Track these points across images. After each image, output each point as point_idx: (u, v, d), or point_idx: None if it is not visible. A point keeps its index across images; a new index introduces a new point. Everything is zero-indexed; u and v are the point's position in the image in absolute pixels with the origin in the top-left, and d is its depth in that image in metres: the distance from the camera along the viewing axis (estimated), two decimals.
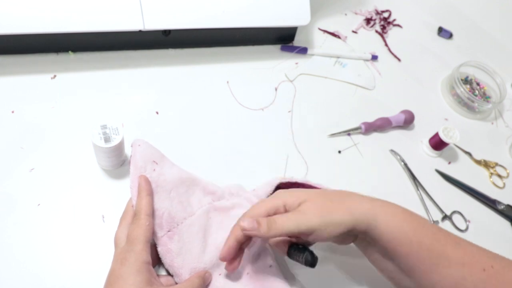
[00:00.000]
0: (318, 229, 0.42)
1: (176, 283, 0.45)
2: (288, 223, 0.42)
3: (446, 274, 0.42)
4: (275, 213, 0.44)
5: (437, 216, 0.61)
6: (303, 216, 0.42)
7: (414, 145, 0.68)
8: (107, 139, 0.48)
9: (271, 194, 0.51)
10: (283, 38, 0.73)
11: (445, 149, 0.67)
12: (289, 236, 0.46)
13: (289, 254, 0.45)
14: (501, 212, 0.63)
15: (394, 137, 0.68)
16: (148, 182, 0.46)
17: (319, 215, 0.42)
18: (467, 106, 0.74)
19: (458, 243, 0.43)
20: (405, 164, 0.64)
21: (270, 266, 0.49)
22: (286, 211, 0.44)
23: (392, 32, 0.84)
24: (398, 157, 0.65)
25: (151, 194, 0.46)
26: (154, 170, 0.48)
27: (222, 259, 0.44)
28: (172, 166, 0.50)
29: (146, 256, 0.41)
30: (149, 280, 0.40)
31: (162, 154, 0.50)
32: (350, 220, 0.42)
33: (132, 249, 0.41)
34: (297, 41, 0.74)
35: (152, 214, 0.45)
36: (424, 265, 0.42)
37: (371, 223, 0.42)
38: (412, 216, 0.45)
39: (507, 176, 0.69)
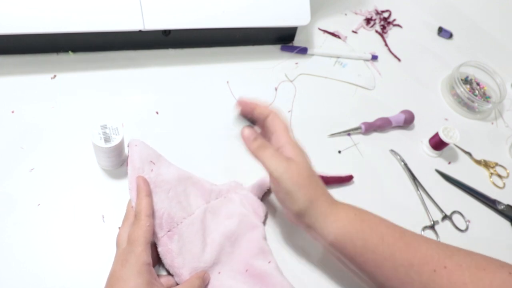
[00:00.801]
0: (283, 190, 0.45)
1: (177, 283, 0.46)
2: (270, 163, 0.45)
3: (391, 275, 0.43)
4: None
5: (437, 216, 0.61)
6: (284, 171, 0.44)
7: (414, 145, 0.68)
8: (107, 139, 0.48)
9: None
10: (283, 38, 0.73)
11: (445, 149, 0.67)
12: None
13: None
14: (501, 212, 0.63)
15: (394, 137, 0.68)
16: (146, 183, 0.46)
17: (294, 181, 0.44)
18: (467, 106, 0.74)
19: (408, 244, 0.43)
20: (405, 164, 0.64)
21: (269, 262, 0.49)
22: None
23: (392, 32, 0.84)
24: (398, 157, 0.65)
25: (150, 194, 0.46)
26: (151, 170, 0.48)
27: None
28: (169, 166, 0.50)
29: (147, 257, 0.41)
30: (149, 281, 0.40)
31: (158, 154, 0.50)
32: (305, 208, 0.44)
33: (133, 251, 0.41)
34: (297, 41, 0.74)
35: (152, 214, 0.45)
36: (369, 267, 0.44)
37: (319, 221, 0.45)
38: (362, 217, 0.45)
39: (507, 176, 0.69)
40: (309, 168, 0.46)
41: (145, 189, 0.46)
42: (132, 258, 0.41)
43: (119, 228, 0.46)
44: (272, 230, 0.54)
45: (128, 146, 0.49)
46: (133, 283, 0.39)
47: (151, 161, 0.49)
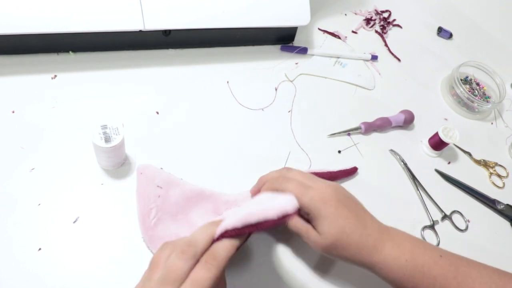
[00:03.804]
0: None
1: None
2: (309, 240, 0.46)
3: None
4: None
5: (437, 216, 0.61)
6: (318, 242, 0.45)
7: (414, 145, 0.68)
8: (107, 139, 0.48)
9: None
10: (283, 38, 0.73)
11: (445, 149, 0.67)
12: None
13: None
14: (500, 212, 0.63)
15: (394, 137, 0.68)
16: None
17: (330, 247, 0.44)
18: (466, 106, 0.74)
19: (461, 283, 0.43)
20: (405, 164, 0.64)
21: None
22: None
23: (392, 32, 0.84)
24: (398, 157, 0.65)
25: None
26: (158, 196, 0.50)
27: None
28: (177, 186, 0.51)
29: None
30: None
31: (167, 175, 0.52)
32: (350, 260, 0.45)
33: None
34: (297, 41, 0.74)
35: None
36: None
37: (373, 264, 0.45)
38: (415, 263, 0.44)
39: (507, 176, 0.69)
40: (340, 213, 0.45)
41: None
42: None
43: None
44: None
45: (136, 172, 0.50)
46: None
47: (158, 186, 0.50)
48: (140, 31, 0.60)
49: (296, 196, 0.45)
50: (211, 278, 0.34)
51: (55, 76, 0.60)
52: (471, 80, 0.79)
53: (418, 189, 0.62)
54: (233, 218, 0.38)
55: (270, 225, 0.39)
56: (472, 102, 0.72)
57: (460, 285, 0.43)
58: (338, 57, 0.76)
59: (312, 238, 0.46)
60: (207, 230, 0.38)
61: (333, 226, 0.44)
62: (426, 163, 0.66)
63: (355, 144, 0.65)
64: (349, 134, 0.66)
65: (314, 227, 0.45)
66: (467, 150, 0.70)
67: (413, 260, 0.44)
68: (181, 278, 0.34)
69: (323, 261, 0.53)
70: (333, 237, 0.44)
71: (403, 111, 0.69)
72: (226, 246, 0.37)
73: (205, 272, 0.34)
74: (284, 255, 0.52)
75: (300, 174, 0.49)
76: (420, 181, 0.63)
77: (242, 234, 0.38)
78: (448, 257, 0.45)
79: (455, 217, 0.61)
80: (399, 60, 0.79)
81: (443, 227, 0.60)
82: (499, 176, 0.68)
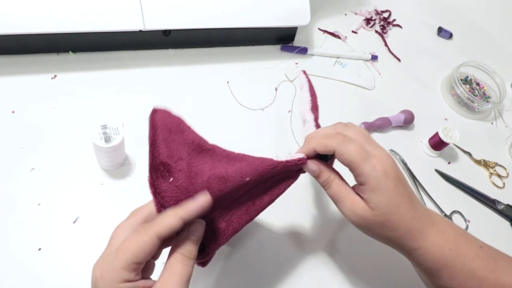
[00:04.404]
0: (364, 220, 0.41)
1: None
2: (353, 212, 0.41)
3: None
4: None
5: None
6: (365, 216, 0.41)
7: (414, 145, 0.68)
8: (107, 139, 0.48)
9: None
10: (283, 38, 0.73)
11: (445, 149, 0.67)
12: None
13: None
14: (500, 212, 0.63)
15: (394, 137, 0.68)
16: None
17: (378, 225, 0.40)
18: (467, 106, 0.74)
19: (497, 277, 0.41)
20: (405, 164, 0.64)
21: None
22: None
23: (392, 32, 0.84)
24: (398, 157, 0.65)
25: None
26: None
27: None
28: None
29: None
30: None
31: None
32: (395, 242, 0.41)
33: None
34: (297, 41, 0.74)
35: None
36: None
37: (416, 248, 0.41)
38: (457, 253, 0.42)
39: (507, 176, 0.69)
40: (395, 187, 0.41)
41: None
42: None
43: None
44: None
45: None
46: None
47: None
48: (140, 31, 0.60)
49: (356, 161, 0.40)
50: (141, 240, 0.34)
51: (55, 76, 0.60)
52: (471, 80, 0.79)
53: (418, 189, 0.62)
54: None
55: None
56: (472, 102, 0.72)
57: (497, 279, 0.41)
58: (338, 57, 0.76)
59: (358, 211, 0.41)
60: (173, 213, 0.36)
61: (389, 203, 0.40)
62: (426, 163, 0.66)
63: None
64: None
65: (364, 199, 0.41)
66: (467, 150, 0.70)
67: (456, 249, 0.41)
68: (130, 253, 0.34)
69: (323, 260, 0.53)
70: (386, 215, 0.40)
71: (403, 111, 0.69)
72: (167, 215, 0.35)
73: (136, 236, 0.35)
74: (284, 257, 0.52)
75: (360, 134, 0.42)
76: (420, 181, 0.63)
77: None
78: (487, 249, 0.43)
79: (455, 217, 0.61)
80: (399, 60, 0.79)
81: None
82: (499, 176, 0.68)
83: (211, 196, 0.36)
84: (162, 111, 0.39)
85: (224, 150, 0.41)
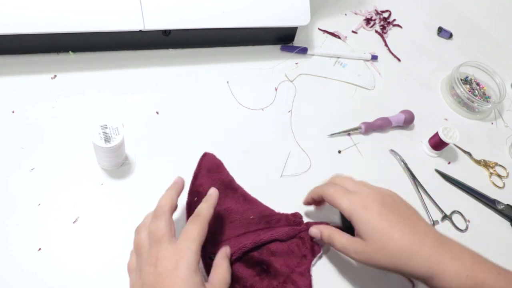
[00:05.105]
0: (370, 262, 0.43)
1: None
2: (345, 247, 0.45)
3: None
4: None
5: (437, 216, 0.61)
6: (361, 249, 0.43)
7: (414, 145, 0.68)
8: (107, 139, 0.48)
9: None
10: (283, 38, 0.73)
11: (445, 149, 0.67)
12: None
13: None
14: (500, 212, 0.63)
15: (394, 137, 0.68)
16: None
17: (377, 254, 0.42)
18: (467, 106, 0.74)
19: None
20: (405, 164, 0.64)
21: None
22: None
23: (392, 32, 0.84)
24: (398, 157, 0.65)
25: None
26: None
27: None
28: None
29: (199, 256, 0.40)
30: (202, 280, 0.39)
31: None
32: (403, 270, 0.42)
33: (189, 247, 0.39)
34: (297, 41, 0.74)
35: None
36: None
37: (430, 276, 0.41)
38: (475, 281, 0.41)
39: (507, 176, 0.69)
40: (384, 217, 0.43)
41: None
42: (189, 255, 0.38)
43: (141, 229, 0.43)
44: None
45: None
46: (191, 282, 0.37)
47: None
48: (140, 31, 0.60)
49: (335, 200, 0.45)
50: (196, 229, 0.41)
51: (55, 76, 0.60)
52: (471, 80, 0.79)
53: (418, 189, 0.62)
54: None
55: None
56: (472, 102, 0.72)
57: None
58: (338, 57, 0.76)
59: (357, 247, 0.43)
60: (167, 194, 0.44)
61: (376, 229, 0.41)
62: (426, 163, 0.66)
63: (355, 144, 0.65)
64: (349, 134, 0.66)
65: (357, 235, 0.44)
66: (467, 150, 0.70)
67: (473, 276, 0.40)
68: (166, 232, 0.40)
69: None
70: (379, 241, 0.41)
71: (403, 111, 0.69)
72: (204, 206, 0.44)
73: (191, 225, 0.41)
74: None
75: (347, 180, 0.48)
76: (420, 181, 0.63)
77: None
78: (505, 274, 0.42)
79: (455, 217, 0.61)
80: (399, 60, 0.79)
81: (443, 227, 0.60)
82: (499, 176, 0.68)
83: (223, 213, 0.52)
84: (209, 155, 0.56)
85: (244, 191, 0.54)
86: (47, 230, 0.48)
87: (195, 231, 0.40)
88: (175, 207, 0.44)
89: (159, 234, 0.39)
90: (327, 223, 0.52)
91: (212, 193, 0.47)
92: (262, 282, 0.47)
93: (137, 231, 0.43)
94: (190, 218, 0.42)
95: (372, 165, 0.63)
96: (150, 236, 0.40)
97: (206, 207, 0.44)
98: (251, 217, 0.52)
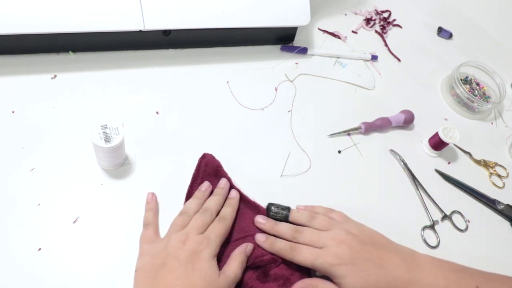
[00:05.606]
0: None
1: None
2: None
3: None
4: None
5: (437, 216, 0.61)
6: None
7: (414, 145, 0.68)
8: (107, 139, 0.48)
9: None
10: (283, 38, 0.73)
11: (445, 149, 0.67)
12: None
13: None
14: (500, 212, 0.63)
15: (394, 137, 0.68)
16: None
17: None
18: (466, 106, 0.74)
19: None
20: (405, 164, 0.64)
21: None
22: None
23: (392, 32, 0.84)
24: (398, 157, 0.65)
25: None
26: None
27: None
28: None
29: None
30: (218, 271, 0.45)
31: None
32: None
33: (210, 244, 0.45)
34: (297, 41, 0.74)
35: None
36: None
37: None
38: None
39: (507, 176, 0.69)
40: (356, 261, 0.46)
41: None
42: (212, 246, 0.45)
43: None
44: None
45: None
46: (209, 264, 0.44)
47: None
48: (140, 31, 0.60)
49: (308, 265, 0.47)
50: (222, 229, 0.48)
51: (55, 76, 0.60)
52: (471, 80, 0.79)
53: (418, 189, 0.62)
54: None
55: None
56: (472, 102, 0.72)
57: None
58: (338, 57, 0.76)
59: None
60: (217, 199, 0.51)
61: (354, 282, 0.44)
62: (426, 163, 0.66)
63: (355, 144, 0.65)
64: (349, 134, 0.66)
65: (340, 286, 0.46)
66: (467, 150, 0.70)
67: None
68: (203, 226, 0.47)
69: None
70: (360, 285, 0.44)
71: (403, 111, 0.69)
72: (230, 211, 0.51)
73: (219, 224, 0.48)
74: None
75: (310, 235, 0.48)
76: (420, 181, 0.63)
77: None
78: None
79: (455, 217, 0.61)
80: (399, 60, 0.79)
81: (443, 227, 0.60)
82: (499, 176, 0.68)
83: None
84: (209, 156, 0.56)
85: (242, 193, 0.55)
86: (47, 230, 0.48)
87: (220, 230, 0.47)
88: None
89: (200, 225, 0.47)
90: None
91: (235, 196, 0.53)
92: (262, 285, 0.47)
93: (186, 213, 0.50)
94: (217, 218, 0.49)
95: (372, 165, 0.63)
96: (192, 221, 0.48)
97: (230, 212, 0.51)
98: (249, 219, 0.52)
